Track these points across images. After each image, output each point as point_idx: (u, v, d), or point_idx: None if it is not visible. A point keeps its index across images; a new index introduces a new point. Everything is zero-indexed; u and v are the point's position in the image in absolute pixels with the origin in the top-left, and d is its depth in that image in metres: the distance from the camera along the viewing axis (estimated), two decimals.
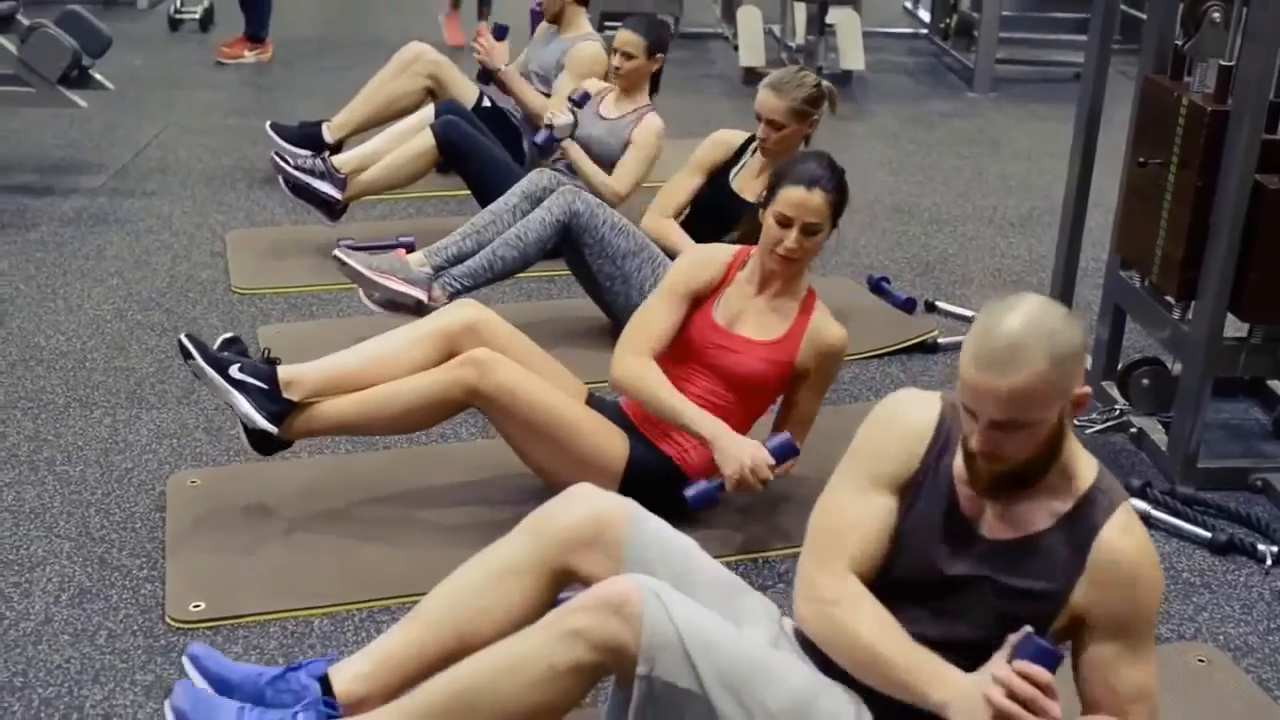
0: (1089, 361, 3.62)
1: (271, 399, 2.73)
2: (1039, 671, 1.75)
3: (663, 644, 1.81)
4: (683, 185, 3.79)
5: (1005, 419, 1.76)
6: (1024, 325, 1.74)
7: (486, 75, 4.72)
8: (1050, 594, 1.88)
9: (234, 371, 2.73)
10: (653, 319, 2.85)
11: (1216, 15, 3.10)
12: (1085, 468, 1.91)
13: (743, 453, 2.67)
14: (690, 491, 2.72)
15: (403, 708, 1.91)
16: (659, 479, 2.80)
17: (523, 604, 2.04)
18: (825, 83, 3.61)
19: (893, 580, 1.93)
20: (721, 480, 2.71)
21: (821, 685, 1.91)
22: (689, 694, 1.81)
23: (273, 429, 2.74)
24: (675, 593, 1.87)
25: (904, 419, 1.97)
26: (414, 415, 2.77)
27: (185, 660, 2.09)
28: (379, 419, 2.79)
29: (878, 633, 1.86)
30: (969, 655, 1.84)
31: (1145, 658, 1.90)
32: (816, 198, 2.73)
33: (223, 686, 2.05)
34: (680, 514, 2.78)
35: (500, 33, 4.70)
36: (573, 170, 4.13)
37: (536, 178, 3.77)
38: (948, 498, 1.92)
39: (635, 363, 2.80)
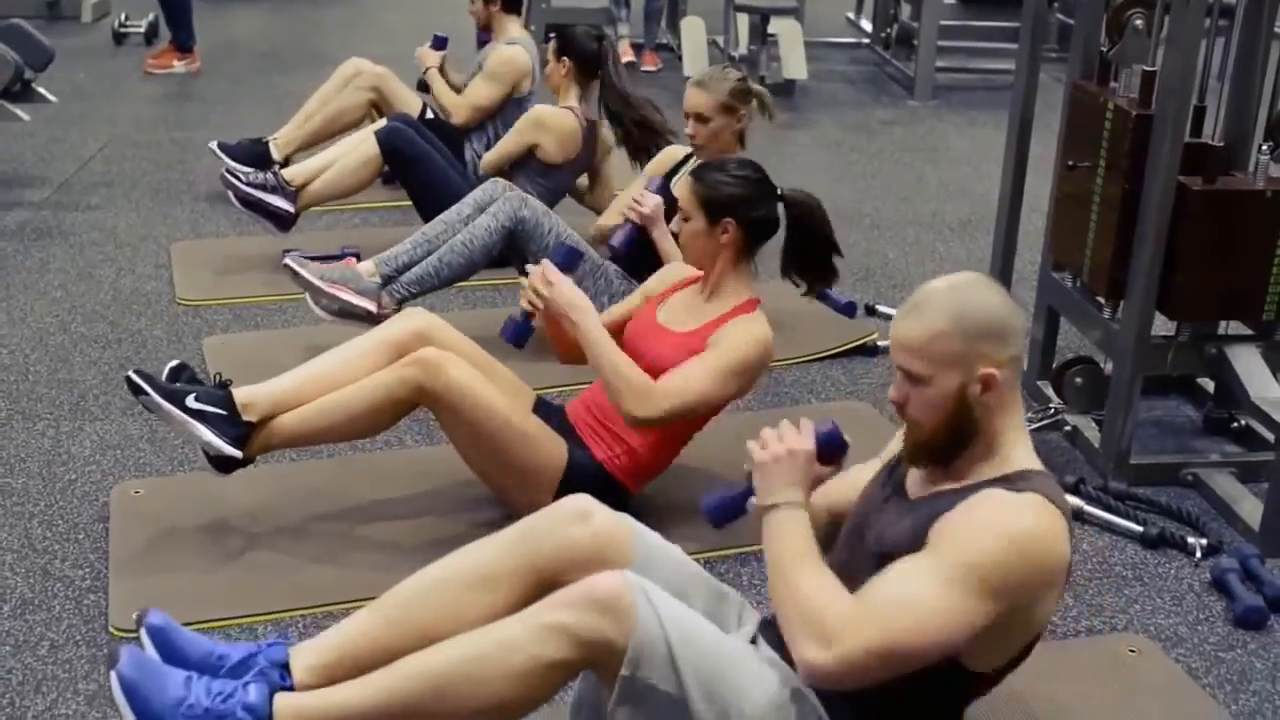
0: (1024, 362, 3.69)
1: (232, 423, 2.71)
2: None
3: (650, 646, 1.80)
4: (634, 189, 3.88)
5: (902, 366, 1.86)
6: (944, 286, 1.87)
7: (424, 85, 4.80)
8: (918, 525, 1.85)
9: (191, 402, 2.70)
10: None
11: (1139, 22, 3.19)
12: (1023, 462, 1.88)
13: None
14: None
15: (372, 683, 1.87)
16: (593, 486, 2.81)
17: (501, 611, 1.98)
18: (755, 85, 3.70)
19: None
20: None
21: (795, 693, 1.90)
22: (669, 696, 1.82)
23: (237, 453, 2.72)
24: (663, 593, 1.87)
25: None
26: (367, 419, 2.78)
27: (143, 631, 2.00)
28: (333, 427, 2.79)
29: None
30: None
31: (920, 581, 1.75)
32: (687, 185, 2.85)
33: (175, 659, 1.96)
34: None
35: (439, 43, 4.78)
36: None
37: (491, 188, 3.77)
38: (897, 469, 2.01)
39: None
